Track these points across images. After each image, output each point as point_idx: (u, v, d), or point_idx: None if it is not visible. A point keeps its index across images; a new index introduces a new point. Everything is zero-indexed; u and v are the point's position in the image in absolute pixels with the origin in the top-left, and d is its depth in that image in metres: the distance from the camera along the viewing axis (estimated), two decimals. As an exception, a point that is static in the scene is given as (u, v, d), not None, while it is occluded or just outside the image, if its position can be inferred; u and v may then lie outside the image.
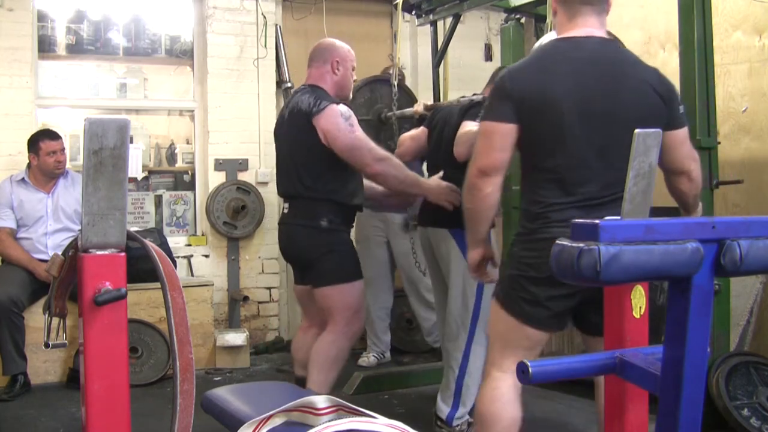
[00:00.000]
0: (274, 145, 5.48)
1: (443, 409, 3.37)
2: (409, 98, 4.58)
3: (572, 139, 2.23)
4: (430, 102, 4.18)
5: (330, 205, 3.20)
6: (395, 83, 4.43)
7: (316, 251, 3.20)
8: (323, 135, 3.12)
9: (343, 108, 3.16)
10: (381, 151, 3.15)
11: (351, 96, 3.55)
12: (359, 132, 3.16)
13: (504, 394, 2.28)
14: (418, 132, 3.56)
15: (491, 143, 2.31)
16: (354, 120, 3.16)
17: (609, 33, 2.43)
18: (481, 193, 2.34)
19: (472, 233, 2.49)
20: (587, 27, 2.32)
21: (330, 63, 3.32)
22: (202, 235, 5.54)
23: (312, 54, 3.39)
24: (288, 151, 3.31)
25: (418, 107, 3.94)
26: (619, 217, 1.93)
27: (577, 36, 2.32)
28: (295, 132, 3.23)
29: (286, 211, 3.32)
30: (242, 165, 5.50)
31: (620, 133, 2.21)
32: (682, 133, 2.35)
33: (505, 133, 2.28)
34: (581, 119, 2.23)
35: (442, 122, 3.44)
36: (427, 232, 3.49)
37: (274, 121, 5.51)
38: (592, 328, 2.35)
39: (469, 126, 3.10)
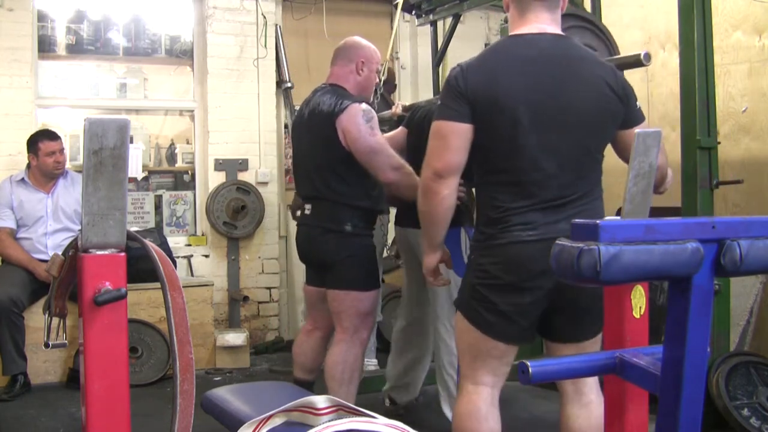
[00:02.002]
0: (274, 145, 5.61)
1: (451, 416, 3.37)
2: (387, 103, 4.57)
3: (524, 142, 2.15)
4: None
5: (355, 209, 3.16)
6: (381, 84, 4.40)
7: (338, 255, 3.15)
8: (343, 135, 3.07)
9: (365, 107, 3.11)
10: (398, 159, 3.09)
11: (371, 98, 3.50)
12: (380, 136, 3.12)
13: (480, 409, 2.20)
14: (397, 132, 3.53)
15: (446, 144, 2.21)
16: (375, 122, 3.11)
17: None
18: (438, 197, 2.24)
19: (428, 237, 2.39)
20: (539, 23, 2.23)
21: (355, 63, 3.26)
22: (202, 235, 5.54)
23: (337, 51, 3.33)
24: (309, 152, 3.25)
25: (396, 109, 3.92)
26: (618, 217, 1.93)
27: (529, 33, 2.23)
28: (317, 133, 3.17)
29: (307, 212, 3.25)
30: (242, 165, 5.50)
31: (574, 134, 2.18)
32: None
33: (461, 133, 2.19)
34: (532, 120, 2.15)
35: (420, 121, 3.40)
36: (407, 234, 3.45)
37: (274, 121, 5.60)
38: (555, 334, 2.30)
39: None
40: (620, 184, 2.27)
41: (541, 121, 2.16)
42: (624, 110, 2.25)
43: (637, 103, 2.32)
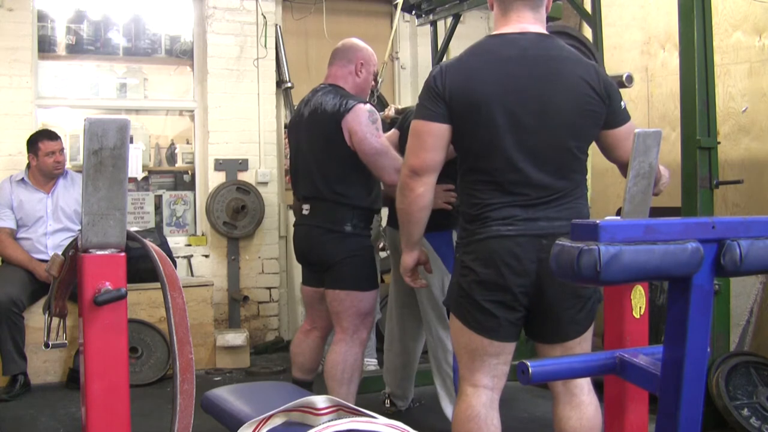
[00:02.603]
0: (274, 145, 5.61)
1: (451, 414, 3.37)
2: (383, 104, 4.58)
3: (501, 142, 2.16)
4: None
5: (355, 209, 3.16)
6: (379, 85, 4.41)
7: (338, 255, 3.15)
8: (349, 135, 3.07)
9: (369, 107, 3.11)
10: (401, 161, 3.11)
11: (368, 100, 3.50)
12: (384, 138, 3.13)
13: (479, 412, 2.20)
14: (390, 134, 3.53)
15: (423, 143, 2.24)
16: (380, 123, 3.12)
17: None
18: (413, 194, 2.28)
19: (405, 236, 2.41)
20: (521, 22, 2.23)
21: (354, 64, 3.27)
22: (202, 235, 5.54)
23: (335, 52, 3.33)
24: (309, 152, 3.24)
25: (389, 111, 3.93)
26: (618, 217, 1.93)
27: (510, 32, 2.23)
28: (319, 133, 3.17)
29: (306, 212, 3.25)
30: (242, 165, 5.50)
31: (553, 134, 2.18)
32: (626, 129, 2.28)
33: (437, 133, 2.22)
34: (509, 121, 2.16)
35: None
36: (398, 235, 3.45)
37: (274, 121, 5.60)
38: (539, 335, 2.31)
39: None
40: (620, 184, 2.27)
41: (518, 121, 2.16)
42: (606, 110, 2.24)
43: (623, 103, 2.30)
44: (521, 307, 2.19)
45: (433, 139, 2.23)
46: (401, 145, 3.40)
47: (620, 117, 2.29)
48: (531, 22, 2.24)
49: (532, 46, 2.21)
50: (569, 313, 2.24)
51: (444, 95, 2.20)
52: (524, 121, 2.16)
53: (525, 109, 2.16)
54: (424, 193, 2.28)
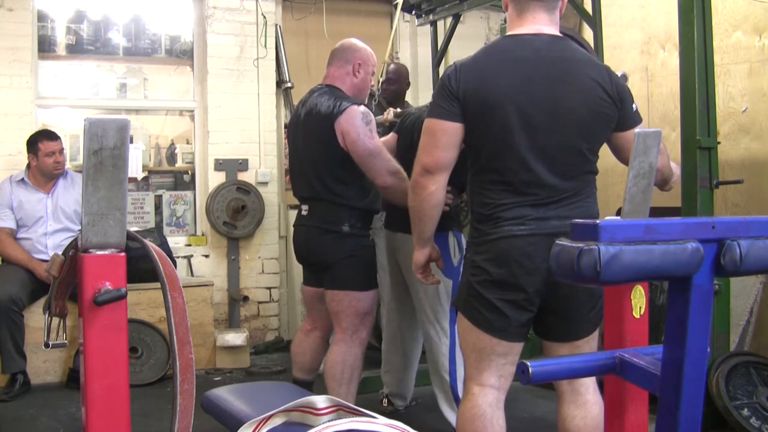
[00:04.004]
0: (274, 145, 5.61)
1: (452, 418, 3.37)
2: (382, 107, 4.58)
3: (514, 142, 2.17)
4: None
5: (352, 210, 3.17)
6: (376, 91, 4.41)
7: (337, 255, 3.16)
8: (342, 136, 3.07)
9: (363, 109, 3.11)
10: (395, 164, 3.10)
11: (366, 100, 3.50)
12: (378, 140, 3.12)
13: (485, 411, 2.21)
14: (388, 138, 3.52)
15: (435, 141, 2.25)
16: (373, 125, 3.12)
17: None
18: (425, 192, 2.29)
19: (417, 233, 2.43)
20: (536, 24, 2.25)
21: (352, 64, 3.27)
22: (202, 235, 5.54)
23: (333, 53, 3.34)
24: (306, 153, 3.25)
25: (388, 115, 3.92)
26: (618, 217, 1.93)
27: (525, 33, 2.25)
28: (314, 134, 3.18)
29: (304, 213, 3.26)
30: (242, 165, 5.50)
31: (564, 135, 2.19)
32: None
33: (450, 131, 2.23)
34: (522, 121, 2.17)
35: (411, 127, 3.40)
36: (395, 238, 3.45)
37: (274, 121, 5.60)
38: (549, 334, 2.32)
39: None
40: (620, 184, 2.27)
41: (530, 122, 2.17)
42: (618, 113, 2.26)
43: (634, 105, 2.31)
44: (533, 307, 2.21)
45: (447, 137, 2.24)
46: (399, 149, 3.41)
47: (632, 119, 2.30)
48: (545, 24, 2.26)
49: (546, 47, 2.22)
50: (582, 311, 2.26)
51: (458, 94, 2.21)
52: (537, 122, 2.17)
53: (537, 110, 2.17)
54: (435, 191, 2.29)
